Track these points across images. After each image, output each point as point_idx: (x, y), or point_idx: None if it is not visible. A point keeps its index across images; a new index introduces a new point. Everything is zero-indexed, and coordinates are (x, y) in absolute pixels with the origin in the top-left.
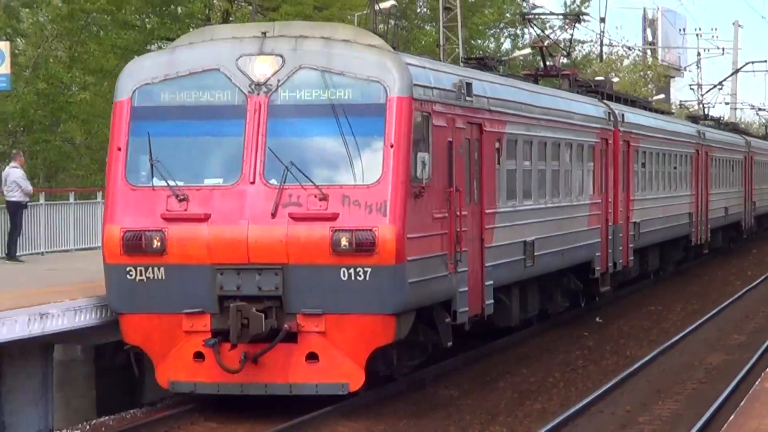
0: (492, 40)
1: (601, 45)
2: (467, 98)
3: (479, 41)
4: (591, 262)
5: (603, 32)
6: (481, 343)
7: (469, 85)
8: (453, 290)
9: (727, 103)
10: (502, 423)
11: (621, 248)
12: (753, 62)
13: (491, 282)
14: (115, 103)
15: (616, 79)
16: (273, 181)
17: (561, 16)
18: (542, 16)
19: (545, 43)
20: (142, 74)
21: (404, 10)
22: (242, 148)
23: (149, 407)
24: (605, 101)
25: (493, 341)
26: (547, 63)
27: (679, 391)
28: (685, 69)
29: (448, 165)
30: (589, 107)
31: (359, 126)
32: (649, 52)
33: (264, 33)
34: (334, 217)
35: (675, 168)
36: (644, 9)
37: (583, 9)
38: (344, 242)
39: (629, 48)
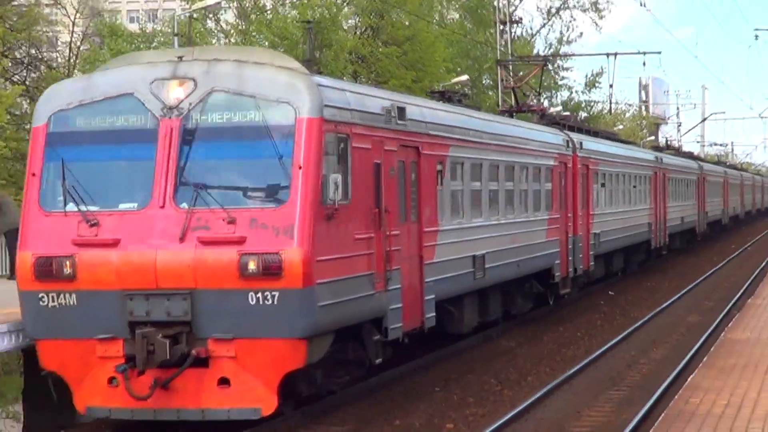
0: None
1: (610, 103)
2: (399, 122)
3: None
4: (551, 268)
5: (611, 94)
6: (533, 310)
7: (401, 110)
8: (383, 308)
9: (697, 142)
10: (545, 365)
11: (581, 255)
12: (715, 113)
13: (432, 296)
14: (32, 129)
15: (620, 127)
16: (183, 205)
17: (530, 61)
18: (516, 63)
19: (517, 85)
20: (58, 100)
21: (474, 80)
22: (153, 172)
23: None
24: (566, 131)
25: (539, 308)
26: (519, 101)
27: (668, 341)
28: (668, 119)
29: (375, 186)
30: (548, 135)
31: (268, 148)
32: (643, 107)
33: (180, 57)
34: (241, 241)
35: (635, 186)
36: (639, 78)
37: (597, 80)
38: (252, 266)
39: (630, 105)
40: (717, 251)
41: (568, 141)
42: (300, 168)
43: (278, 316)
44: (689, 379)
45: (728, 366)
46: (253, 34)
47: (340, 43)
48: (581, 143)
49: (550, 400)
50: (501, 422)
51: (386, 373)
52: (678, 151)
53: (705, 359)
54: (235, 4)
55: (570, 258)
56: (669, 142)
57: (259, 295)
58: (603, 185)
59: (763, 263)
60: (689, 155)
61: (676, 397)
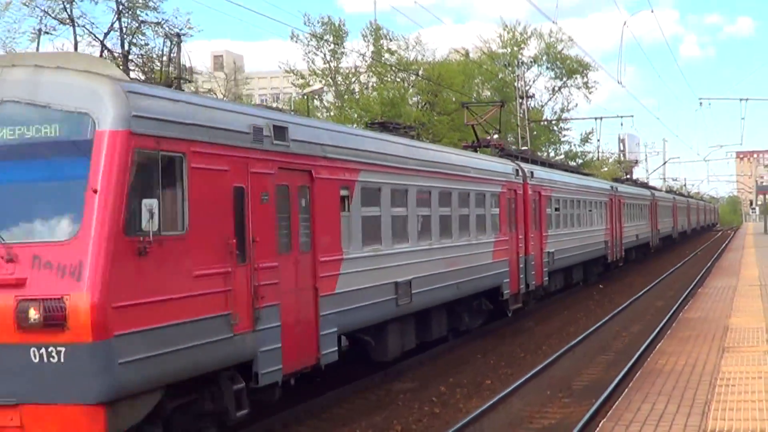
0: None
1: (598, 152)
2: (277, 142)
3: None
4: (500, 287)
5: (599, 146)
6: (548, 298)
7: (281, 129)
8: (250, 351)
9: (660, 178)
10: (554, 339)
11: (534, 272)
12: (672, 158)
13: (334, 329)
14: None
15: (605, 169)
16: None
17: (491, 105)
18: (478, 105)
19: (477, 122)
20: None
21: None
22: None
23: None
24: (518, 162)
25: (550, 298)
26: (480, 137)
27: (642, 319)
28: (639, 163)
29: (234, 213)
30: (496, 165)
31: (60, 168)
32: (621, 155)
33: None
34: (20, 284)
35: (590, 210)
36: (618, 134)
37: (588, 137)
38: (32, 314)
39: (612, 153)
40: (676, 256)
41: (518, 170)
42: (95, 192)
43: (66, 377)
44: (657, 346)
45: (685, 336)
46: (346, 109)
47: (407, 114)
48: (532, 173)
49: (559, 363)
50: (524, 379)
51: (436, 349)
52: (635, 182)
53: (669, 332)
54: (333, 88)
55: (522, 276)
56: (630, 177)
57: (43, 351)
58: (557, 209)
59: (709, 264)
60: (644, 185)
61: (648, 359)
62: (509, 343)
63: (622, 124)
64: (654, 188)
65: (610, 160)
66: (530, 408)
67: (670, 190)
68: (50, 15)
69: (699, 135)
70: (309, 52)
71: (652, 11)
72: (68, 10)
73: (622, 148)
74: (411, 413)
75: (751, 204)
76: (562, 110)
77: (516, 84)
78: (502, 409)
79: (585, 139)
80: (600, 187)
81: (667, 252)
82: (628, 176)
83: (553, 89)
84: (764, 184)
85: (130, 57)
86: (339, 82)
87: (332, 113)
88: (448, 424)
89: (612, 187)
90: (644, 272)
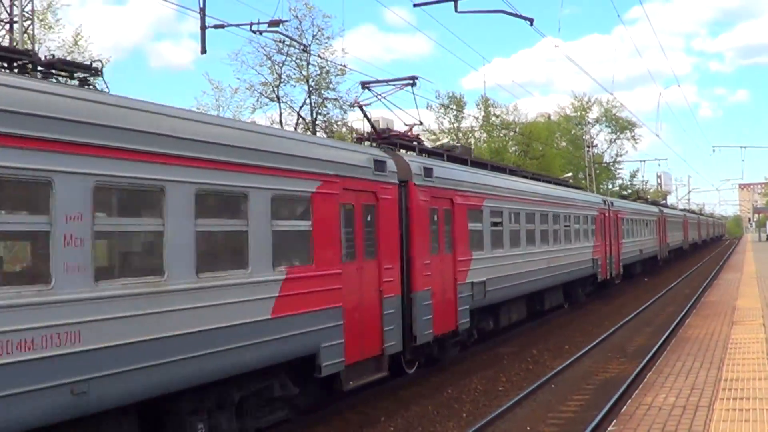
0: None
1: (642, 184)
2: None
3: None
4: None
5: (642, 180)
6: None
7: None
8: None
9: (687, 203)
10: (614, 316)
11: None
12: (694, 188)
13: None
14: None
15: (648, 197)
16: None
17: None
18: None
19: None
20: None
21: (575, 175)
22: None
23: None
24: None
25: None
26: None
27: (674, 303)
28: (670, 192)
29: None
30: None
31: None
32: (658, 186)
33: None
34: None
35: (578, 225)
36: (656, 172)
37: (635, 174)
38: None
39: (651, 185)
40: (697, 259)
41: (605, 201)
42: None
43: None
44: (686, 321)
45: (705, 314)
46: None
47: (507, 159)
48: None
49: (617, 333)
50: (592, 345)
51: (530, 324)
52: (645, 201)
53: (694, 311)
54: (456, 142)
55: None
56: (639, 194)
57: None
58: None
59: (721, 263)
60: (652, 202)
61: (679, 330)
62: (581, 320)
63: (659, 165)
64: (665, 205)
65: (651, 191)
66: (597, 365)
67: (687, 210)
68: (264, 95)
69: (713, 172)
70: (439, 117)
71: (679, 86)
72: (276, 92)
73: (659, 182)
74: (512, 369)
75: (750, 220)
76: (617, 155)
77: (584, 137)
78: (577, 366)
79: (633, 176)
80: (592, 200)
81: (684, 259)
82: (664, 201)
83: (610, 141)
84: (758, 206)
85: (317, 123)
86: (460, 137)
87: None
88: (539, 376)
89: (605, 201)
90: (677, 269)
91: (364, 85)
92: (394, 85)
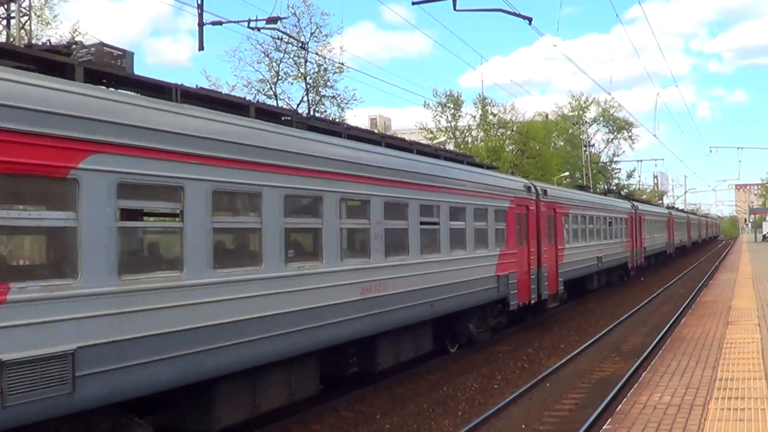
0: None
1: (639, 185)
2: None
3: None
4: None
5: (639, 180)
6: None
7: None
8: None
9: (682, 203)
10: (609, 316)
11: (637, 256)
12: (690, 189)
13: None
14: None
15: (644, 196)
16: None
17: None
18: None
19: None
20: None
21: (572, 174)
22: None
23: None
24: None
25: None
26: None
27: (670, 302)
28: (668, 193)
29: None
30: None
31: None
32: (655, 186)
33: None
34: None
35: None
36: (653, 171)
37: (632, 173)
38: None
39: (648, 185)
40: (693, 258)
41: (670, 211)
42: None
43: None
44: (681, 321)
45: (701, 314)
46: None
47: (504, 158)
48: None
49: (612, 332)
50: (587, 344)
51: (525, 323)
52: (617, 193)
53: (689, 311)
54: (453, 140)
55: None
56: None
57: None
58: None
59: (717, 262)
60: (624, 196)
61: (675, 330)
62: (577, 319)
63: (656, 165)
64: (672, 208)
65: (648, 190)
66: (592, 364)
67: (686, 211)
68: (262, 93)
69: (709, 172)
70: (436, 115)
71: (677, 86)
72: (273, 89)
73: (656, 182)
74: (508, 367)
75: (745, 221)
76: (614, 155)
77: (581, 137)
78: (572, 365)
79: (629, 176)
80: (622, 206)
81: (684, 257)
82: (660, 201)
83: (607, 140)
84: (754, 207)
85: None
86: (457, 136)
87: None
88: (534, 375)
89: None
90: (673, 267)
91: None
92: None
